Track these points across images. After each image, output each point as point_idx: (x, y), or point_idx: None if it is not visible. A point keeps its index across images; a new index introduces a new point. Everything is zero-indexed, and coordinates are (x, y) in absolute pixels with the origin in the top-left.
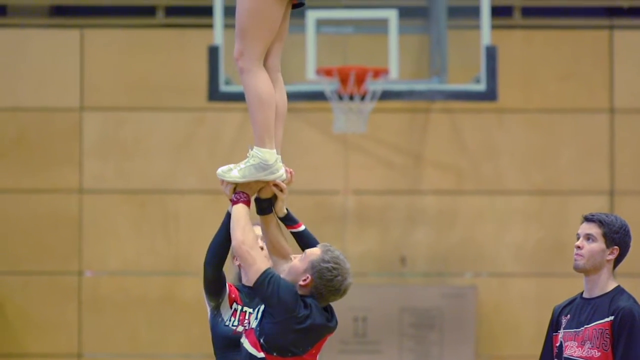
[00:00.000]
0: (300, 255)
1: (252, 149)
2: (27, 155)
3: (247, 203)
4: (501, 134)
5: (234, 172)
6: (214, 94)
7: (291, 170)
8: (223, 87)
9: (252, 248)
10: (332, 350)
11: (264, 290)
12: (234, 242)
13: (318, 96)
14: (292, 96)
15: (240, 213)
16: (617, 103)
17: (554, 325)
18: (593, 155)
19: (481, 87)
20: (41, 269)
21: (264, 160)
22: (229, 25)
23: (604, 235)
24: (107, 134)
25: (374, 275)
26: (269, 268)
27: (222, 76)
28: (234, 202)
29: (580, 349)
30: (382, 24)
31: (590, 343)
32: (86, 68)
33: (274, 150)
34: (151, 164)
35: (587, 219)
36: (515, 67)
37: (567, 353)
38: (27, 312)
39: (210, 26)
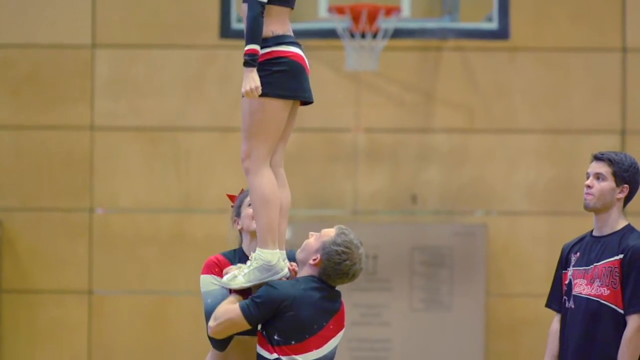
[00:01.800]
0: (316, 233)
1: (254, 252)
2: (38, 92)
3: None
4: (513, 73)
5: (239, 277)
6: (226, 31)
7: (294, 267)
8: (235, 25)
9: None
10: (343, 288)
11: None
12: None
13: (330, 34)
14: (304, 34)
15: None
16: (630, 42)
17: (564, 263)
18: (605, 95)
19: (493, 25)
20: (52, 206)
21: (267, 262)
22: None
23: (614, 173)
24: (118, 71)
25: (384, 213)
26: (241, 303)
27: (234, 13)
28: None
29: (589, 286)
30: None
31: (600, 281)
32: (98, 5)
33: (277, 250)
34: (162, 102)
35: (597, 158)
36: (528, 5)
37: (576, 291)
38: (37, 249)
39: None
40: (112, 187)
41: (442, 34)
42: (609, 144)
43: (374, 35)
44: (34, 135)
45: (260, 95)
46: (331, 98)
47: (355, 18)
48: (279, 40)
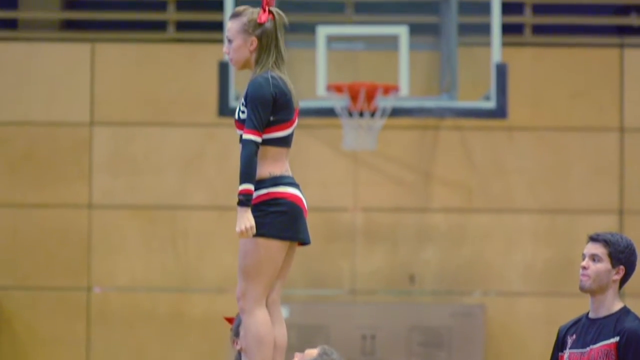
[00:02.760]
0: (300, 354)
1: None
2: (36, 169)
3: None
4: (511, 152)
5: None
6: (224, 109)
7: None
8: (233, 103)
9: None
10: None
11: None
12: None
13: (328, 112)
14: (303, 112)
15: None
16: (627, 122)
17: (560, 345)
18: (602, 174)
19: (491, 104)
20: (50, 285)
21: None
22: None
23: (610, 255)
24: (116, 149)
25: (382, 293)
26: None
27: (232, 91)
28: None
29: None
30: (393, 40)
31: None
32: (96, 82)
33: None
34: (161, 180)
35: (593, 239)
36: (526, 84)
37: None
38: (35, 328)
39: (221, 41)
40: (109, 265)
41: (440, 112)
42: (607, 224)
43: (372, 114)
44: (31, 213)
45: (257, 236)
46: (329, 177)
47: (354, 97)
48: (277, 181)
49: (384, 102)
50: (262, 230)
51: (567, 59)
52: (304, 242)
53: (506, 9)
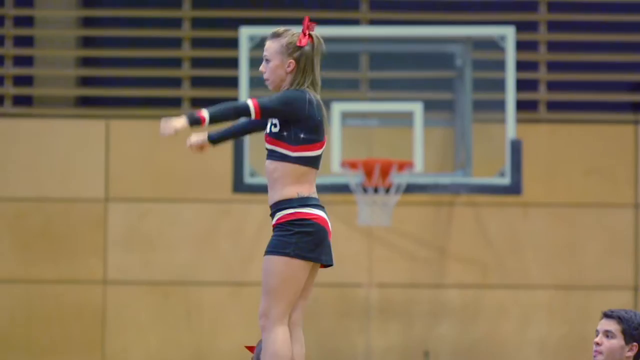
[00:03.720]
0: None
1: None
2: (51, 245)
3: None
4: (525, 228)
5: None
6: (239, 185)
7: None
8: (248, 179)
9: None
10: None
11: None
12: None
13: (343, 189)
14: (317, 189)
15: None
16: None
17: None
18: (617, 250)
19: (506, 180)
20: None
21: None
22: None
23: (623, 331)
24: (131, 225)
25: None
26: None
27: (247, 168)
28: None
29: None
30: (407, 116)
31: None
32: (111, 158)
33: None
34: (175, 255)
35: (606, 315)
36: (540, 160)
37: None
38: None
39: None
40: (123, 341)
41: (455, 189)
42: (622, 301)
43: (387, 190)
44: (46, 289)
45: (282, 255)
46: (344, 253)
47: (368, 173)
48: (305, 202)
49: (399, 179)
50: (288, 249)
51: (581, 135)
52: (328, 264)
53: (521, 85)
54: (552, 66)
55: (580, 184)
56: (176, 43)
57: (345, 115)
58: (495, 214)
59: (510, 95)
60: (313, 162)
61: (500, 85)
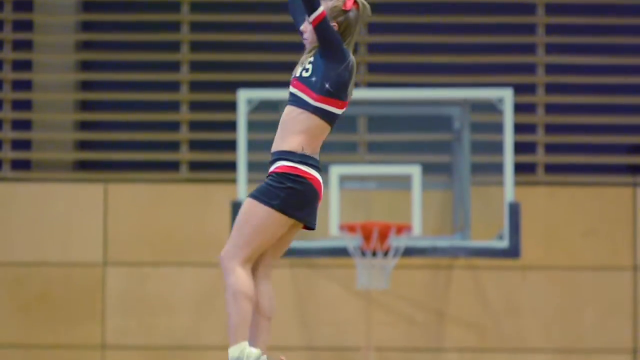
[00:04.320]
0: None
1: None
2: (50, 310)
3: None
4: (524, 291)
5: None
6: None
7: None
8: None
9: None
10: None
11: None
12: None
13: (341, 252)
14: (315, 252)
15: None
16: None
17: None
18: (616, 313)
19: (504, 244)
20: None
21: (234, 358)
22: (252, 181)
23: None
24: (130, 289)
25: None
26: None
27: None
28: None
29: None
30: (406, 179)
31: None
32: (109, 222)
33: (245, 342)
34: (174, 320)
35: None
36: (539, 223)
37: None
38: None
39: (233, 181)
40: None
41: (453, 252)
42: None
43: (385, 254)
44: (44, 354)
45: (266, 205)
46: (342, 316)
47: (367, 237)
48: (305, 160)
49: (397, 242)
50: (274, 201)
51: (580, 197)
52: (310, 226)
53: (519, 148)
54: (550, 128)
55: (578, 247)
56: (174, 106)
57: (343, 179)
58: (494, 277)
59: (509, 158)
60: (329, 118)
61: (498, 147)
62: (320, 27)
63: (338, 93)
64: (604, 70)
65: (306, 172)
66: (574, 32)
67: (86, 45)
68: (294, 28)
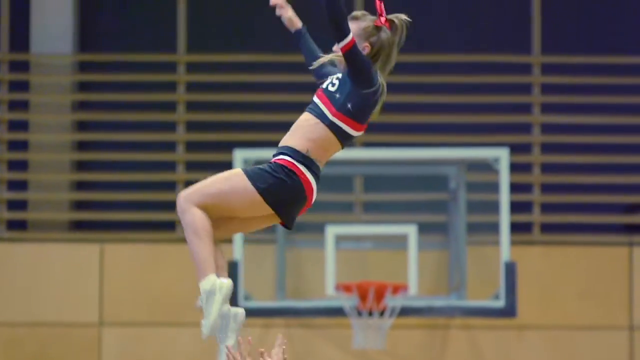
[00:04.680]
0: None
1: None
2: None
3: None
4: (520, 351)
5: (205, 327)
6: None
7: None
8: (242, 303)
9: None
10: None
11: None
12: None
13: (337, 312)
14: (311, 312)
15: None
16: (637, 320)
17: None
18: None
19: (500, 303)
20: None
21: (207, 291)
22: (248, 241)
23: None
24: (126, 350)
25: None
26: None
27: (241, 291)
28: None
29: None
30: (402, 239)
31: None
32: (105, 283)
33: (214, 274)
34: None
35: None
36: (535, 283)
37: None
38: None
39: (229, 241)
40: None
41: (449, 312)
42: None
43: (381, 313)
44: None
45: (252, 184)
46: None
47: (363, 296)
48: (307, 162)
49: (393, 302)
50: (261, 185)
51: (576, 257)
52: (287, 225)
53: (515, 207)
54: (546, 188)
55: (574, 307)
56: (170, 166)
57: (340, 238)
58: (490, 337)
59: (505, 217)
60: (343, 137)
61: (494, 207)
62: (350, 54)
63: (358, 115)
64: (599, 130)
65: (302, 173)
66: (570, 91)
67: (82, 106)
68: (289, 88)
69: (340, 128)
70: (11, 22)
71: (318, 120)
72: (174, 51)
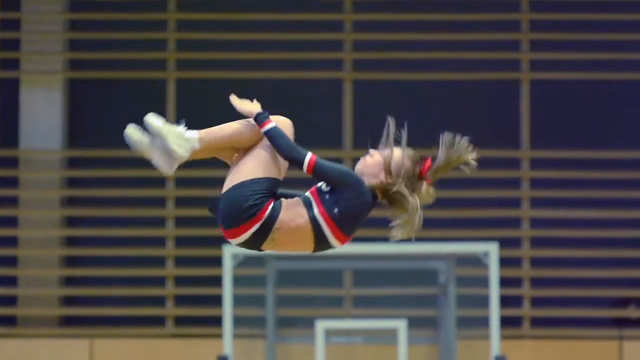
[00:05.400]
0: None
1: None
2: None
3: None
4: None
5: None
6: None
7: None
8: None
9: None
10: None
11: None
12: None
13: None
14: None
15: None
16: None
17: None
18: None
19: None
20: None
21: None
22: (238, 336)
23: None
24: None
25: None
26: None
27: None
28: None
29: None
30: (392, 333)
31: None
32: None
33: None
34: None
35: None
36: None
37: None
38: None
39: (219, 336)
40: None
41: None
42: None
43: None
44: None
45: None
46: None
47: None
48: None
49: None
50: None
51: (566, 351)
52: (212, 205)
53: (505, 301)
54: (536, 282)
55: None
56: (160, 261)
57: (330, 333)
58: None
59: (495, 312)
60: (320, 238)
61: (484, 301)
62: (316, 173)
63: (343, 224)
64: (588, 224)
65: (264, 207)
66: (559, 186)
67: (71, 202)
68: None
69: (322, 230)
70: (0, 118)
71: (305, 209)
72: None
